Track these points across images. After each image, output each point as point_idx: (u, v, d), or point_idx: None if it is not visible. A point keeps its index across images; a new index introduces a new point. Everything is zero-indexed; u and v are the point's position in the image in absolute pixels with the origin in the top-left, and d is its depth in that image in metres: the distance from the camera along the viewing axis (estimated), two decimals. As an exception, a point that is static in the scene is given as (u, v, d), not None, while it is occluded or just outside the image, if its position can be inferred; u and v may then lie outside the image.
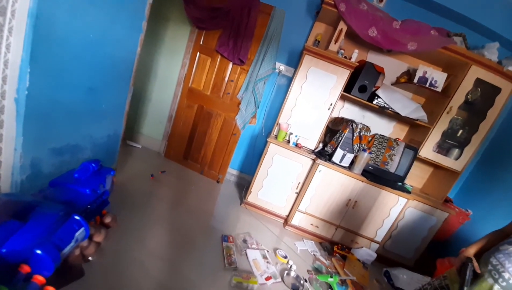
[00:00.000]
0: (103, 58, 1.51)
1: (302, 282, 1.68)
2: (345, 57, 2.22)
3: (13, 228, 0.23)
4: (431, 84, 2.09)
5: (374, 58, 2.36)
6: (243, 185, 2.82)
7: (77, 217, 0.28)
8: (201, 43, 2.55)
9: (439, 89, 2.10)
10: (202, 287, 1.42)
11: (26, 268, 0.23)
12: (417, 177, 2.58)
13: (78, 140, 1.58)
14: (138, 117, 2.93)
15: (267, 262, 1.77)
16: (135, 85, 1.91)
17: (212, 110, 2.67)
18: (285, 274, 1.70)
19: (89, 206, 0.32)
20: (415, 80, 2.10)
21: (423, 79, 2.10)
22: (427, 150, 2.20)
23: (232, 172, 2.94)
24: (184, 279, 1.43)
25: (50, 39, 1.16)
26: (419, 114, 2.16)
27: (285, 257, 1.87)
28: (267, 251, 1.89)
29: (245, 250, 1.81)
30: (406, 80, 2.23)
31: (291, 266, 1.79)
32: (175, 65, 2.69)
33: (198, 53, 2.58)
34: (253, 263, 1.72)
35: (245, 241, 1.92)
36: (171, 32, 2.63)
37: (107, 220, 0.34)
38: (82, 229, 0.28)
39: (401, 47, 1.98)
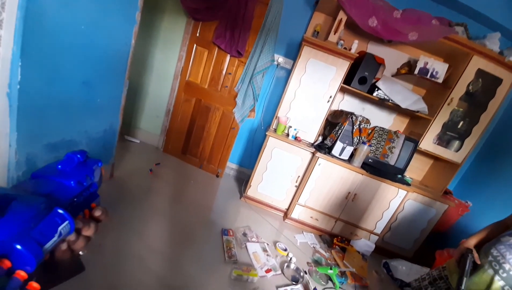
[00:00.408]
0: (96, 50, 1.47)
1: (302, 274, 1.69)
2: (345, 48, 2.18)
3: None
4: (432, 75, 2.06)
5: (374, 49, 2.31)
6: (243, 179, 2.82)
7: (60, 211, 0.26)
8: (197, 35, 2.49)
9: (440, 80, 2.07)
10: (202, 280, 1.43)
11: (7, 263, 0.22)
12: (417, 169, 2.57)
13: (73, 135, 1.56)
14: (135, 112, 2.90)
15: (267, 255, 1.78)
16: (131, 79, 1.87)
17: (210, 104, 2.64)
18: (285, 267, 1.71)
19: (75, 199, 0.30)
20: (416, 71, 2.07)
21: (424, 70, 2.06)
22: (427, 142, 2.19)
23: (231, 166, 2.93)
24: (185, 273, 1.44)
25: (41, 31, 1.12)
26: (419, 106, 2.14)
27: (285, 250, 1.88)
28: (267, 244, 1.90)
29: (245, 244, 1.82)
30: (407, 71, 2.20)
31: (291, 258, 1.80)
32: (172, 58, 2.64)
33: (195, 45, 2.53)
34: (253, 256, 1.73)
35: (245, 234, 1.92)
36: (166, 23, 2.57)
37: (97, 213, 0.32)
38: (66, 223, 0.26)
39: (402, 37, 1.94)
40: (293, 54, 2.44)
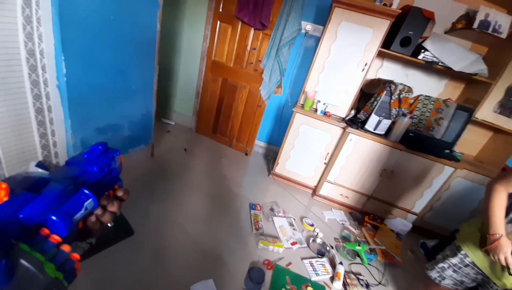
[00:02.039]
0: (126, 38, 1.56)
1: (328, 248, 1.72)
2: (385, 5, 1.87)
3: (28, 198, 0.28)
4: (494, 30, 1.66)
5: (423, 1, 1.94)
6: (271, 157, 2.84)
7: (86, 191, 0.32)
8: (220, 10, 2.43)
9: (503, 36, 1.66)
10: (231, 246, 1.57)
11: (45, 231, 0.28)
12: (471, 142, 2.22)
13: (117, 120, 1.75)
14: (169, 95, 3.08)
15: (293, 229, 1.83)
16: (163, 63, 1.96)
17: (236, 82, 2.63)
18: (311, 241, 1.75)
19: (99, 182, 0.37)
20: (475, 25, 1.68)
21: (485, 24, 1.67)
22: (486, 111, 1.85)
23: (259, 144, 2.96)
24: (216, 239, 1.60)
25: (76, 25, 1.23)
26: (477, 67, 1.78)
27: (312, 225, 1.91)
28: (294, 219, 1.94)
29: (272, 218, 1.89)
30: (464, 26, 1.81)
31: (317, 233, 1.82)
32: (198, 38, 2.65)
33: (219, 22, 2.48)
34: (280, 229, 1.80)
35: (272, 209, 2.00)
36: (190, 2, 2.55)
37: (120, 193, 0.39)
38: (90, 200, 0.33)
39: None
40: (324, 19, 2.21)
